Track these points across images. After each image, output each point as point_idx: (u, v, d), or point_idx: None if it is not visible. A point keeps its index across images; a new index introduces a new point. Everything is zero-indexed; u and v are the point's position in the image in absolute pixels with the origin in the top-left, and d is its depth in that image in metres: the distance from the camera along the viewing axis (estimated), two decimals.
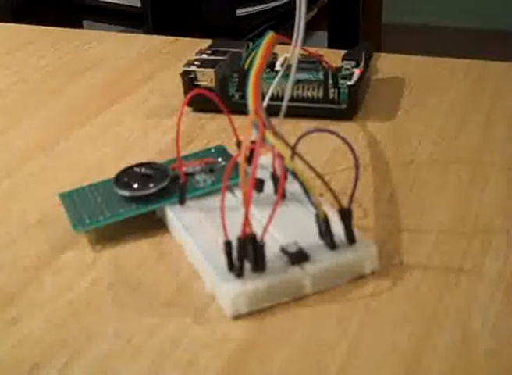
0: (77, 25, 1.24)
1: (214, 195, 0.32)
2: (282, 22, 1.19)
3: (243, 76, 0.39)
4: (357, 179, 0.28)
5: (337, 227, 0.28)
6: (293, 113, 0.37)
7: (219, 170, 0.33)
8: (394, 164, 0.36)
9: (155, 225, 0.32)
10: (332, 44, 1.40)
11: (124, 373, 0.24)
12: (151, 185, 0.32)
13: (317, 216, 0.28)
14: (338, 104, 0.40)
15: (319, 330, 0.26)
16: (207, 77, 0.41)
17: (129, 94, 0.45)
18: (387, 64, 0.47)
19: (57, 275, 0.29)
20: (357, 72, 0.42)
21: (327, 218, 0.28)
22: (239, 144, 0.33)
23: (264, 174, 0.31)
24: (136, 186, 0.32)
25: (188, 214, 0.31)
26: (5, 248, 0.31)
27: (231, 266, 0.27)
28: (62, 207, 0.32)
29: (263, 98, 0.31)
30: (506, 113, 0.40)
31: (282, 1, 1.22)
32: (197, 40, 0.53)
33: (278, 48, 0.35)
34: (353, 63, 0.42)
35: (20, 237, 0.32)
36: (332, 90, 0.40)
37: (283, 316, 0.27)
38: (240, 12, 1.18)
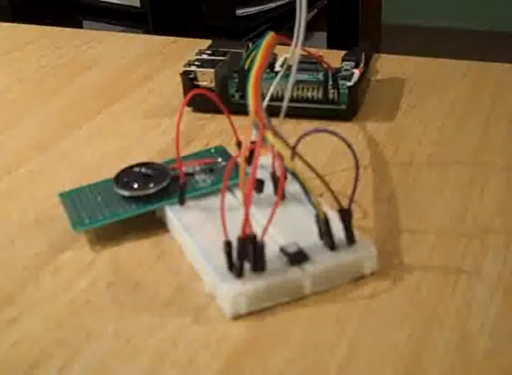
0: (77, 25, 1.24)
1: (214, 195, 0.32)
2: (282, 22, 1.19)
3: (243, 76, 0.39)
4: (356, 179, 0.28)
5: (337, 228, 0.28)
6: (293, 114, 0.37)
7: (219, 170, 0.33)
8: (394, 164, 0.36)
9: (155, 225, 0.32)
10: (332, 45, 1.40)
11: (123, 373, 0.24)
12: (151, 185, 0.32)
13: (317, 216, 0.28)
14: (338, 104, 0.40)
15: (319, 330, 0.26)
16: (207, 77, 0.41)
17: (128, 94, 0.45)
18: (387, 65, 0.47)
19: (56, 275, 0.29)
20: (356, 72, 0.42)
21: (327, 218, 0.28)
22: (239, 144, 0.33)
23: (264, 174, 0.31)
24: (136, 186, 0.32)
25: (188, 214, 0.31)
26: (5, 248, 0.31)
27: (231, 266, 0.27)
28: (62, 207, 0.32)
29: (263, 98, 0.31)
30: (505, 114, 0.40)
31: (282, 2, 1.22)
32: (197, 40, 0.53)
33: (278, 49, 0.35)
34: (352, 64, 0.42)
35: (20, 237, 0.32)
36: (332, 90, 0.40)
37: (283, 316, 0.27)
38: (239, 12, 1.18)
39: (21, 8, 1.27)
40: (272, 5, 1.22)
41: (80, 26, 1.27)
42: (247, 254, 0.26)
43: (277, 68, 0.43)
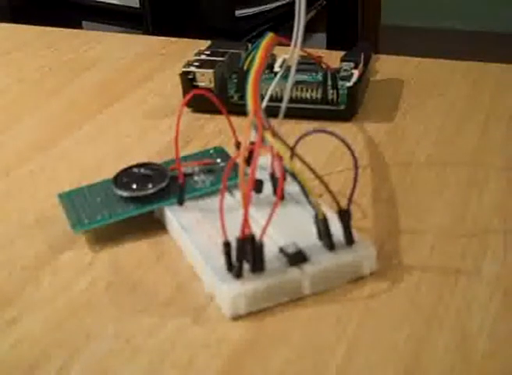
0: (76, 25, 1.24)
1: (213, 196, 0.32)
2: (281, 23, 1.19)
3: (243, 76, 0.39)
4: (355, 180, 0.28)
5: (336, 228, 0.28)
6: (292, 114, 0.37)
7: (218, 171, 0.33)
8: (393, 165, 0.36)
9: (154, 225, 0.32)
10: (331, 46, 1.40)
11: (123, 373, 0.24)
12: (150, 185, 0.32)
13: (316, 216, 0.28)
14: (337, 105, 0.40)
15: (318, 331, 0.26)
16: (206, 78, 0.41)
17: (128, 94, 0.45)
18: (386, 65, 0.47)
19: (56, 275, 0.29)
20: (356, 73, 0.42)
21: (326, 219, 0.28)
22: (238, 144, 0.33)
23: (263, 175, 0.31)
24: (135, 186, 0.32)
25: (187, 214, 0.31)
26: (4, 248, 0.31)
27: (230, 266, 0.27)
28: (61, 207, 0.32)
29: (262, 98, 0.31)
30: (504, 114, 0.40)
31: (281, 3, 1.22)
32: (196, 40, 0.53)
33: (277, 49, 0.35)
34: (352, 64, 0.42)
35: (19, 237, 0.32)
36: (331, 91, 0.40)
37: (282, 316, 0.27)
38: (238, 13, 1.18)
39: (20, 8, 1.27)
40: (271, 5, 1.22)
41: (79, 26, 1.27)
42: (246, 254, 0.26)
43: (276, 68, 0.43)
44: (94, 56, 0.52)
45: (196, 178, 0.33)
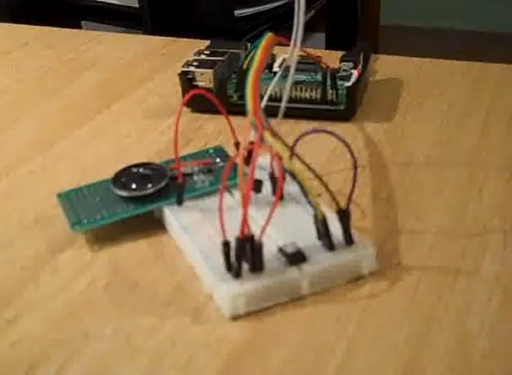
0: (75, 25, 1.24)
1: (212, 196, 0.32)
2: (280, 23, 1.19)
3: (242, 76, 0.39)
4: (355, 180, 0.28)
5: (335, 228, 0.28)
6: (292, 114, 0.37)
7: (217, 171, 0.33)
8: (392, 165, 0.36)
9: (153, 225, 0.32)
10: (330, 46, 1.40)
11: (123, 373, 0.24)
12: (149, 185, 0.32)
13: (315, 216, 0.28)
14: (336, 105, 0.40)
15: (317, 331, 0.26)
16: (205, 78, 0.41)
17: (127, 94, 0.45)
18: (385, 65, 0.47)
19: (55, 275, 0.29)
20: (355, 73, 0.42)
21: (325, 219, 0.28)
22: (237, 144, 0.33)
23: (262, 175, 0.31)
24: (134, 186, 0.32)
25: (186, 214, 0.31)
26: (3, 248, 0.31)
27: (229, 266, 0.27)
28: (60, 207, 0.32)
29: (261, 98, 0.31)
30: (504, 114, 0.41)
31: (281, 3, 1.22)
32: (196, 40, 0.53)
33: (276, 49, 0.35)
34: (351, 64, 0.42)
35: (18, 237, 0.32)
36: (331, 91, 0.40)
37: (281, 316, 0.27)
38: (238, 13, 1.18)
39: (20, 8, 1.27)
40: (271, 5, 1.22)
41: (78, 26, 1.27)
42: (245, 254, 0.26)
43: (275, 68, 0.43)
44: (94, 56, 0.52)
45: (195, 178, 0.33)
